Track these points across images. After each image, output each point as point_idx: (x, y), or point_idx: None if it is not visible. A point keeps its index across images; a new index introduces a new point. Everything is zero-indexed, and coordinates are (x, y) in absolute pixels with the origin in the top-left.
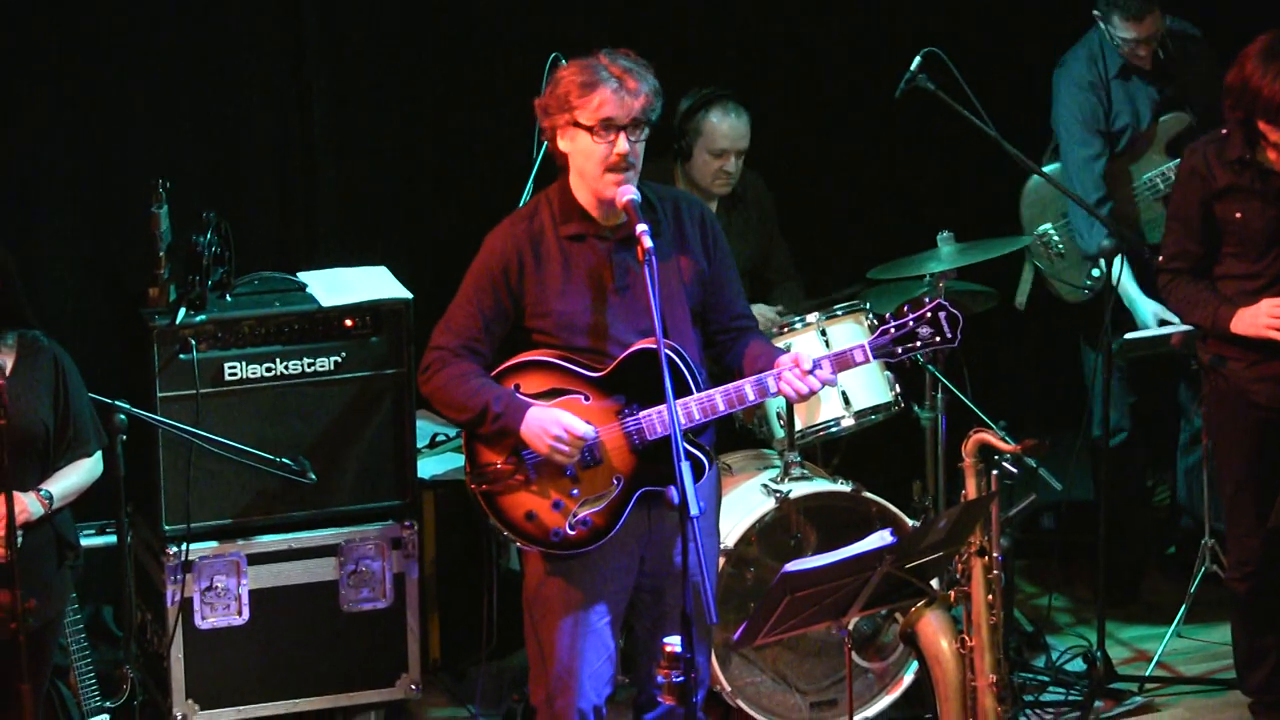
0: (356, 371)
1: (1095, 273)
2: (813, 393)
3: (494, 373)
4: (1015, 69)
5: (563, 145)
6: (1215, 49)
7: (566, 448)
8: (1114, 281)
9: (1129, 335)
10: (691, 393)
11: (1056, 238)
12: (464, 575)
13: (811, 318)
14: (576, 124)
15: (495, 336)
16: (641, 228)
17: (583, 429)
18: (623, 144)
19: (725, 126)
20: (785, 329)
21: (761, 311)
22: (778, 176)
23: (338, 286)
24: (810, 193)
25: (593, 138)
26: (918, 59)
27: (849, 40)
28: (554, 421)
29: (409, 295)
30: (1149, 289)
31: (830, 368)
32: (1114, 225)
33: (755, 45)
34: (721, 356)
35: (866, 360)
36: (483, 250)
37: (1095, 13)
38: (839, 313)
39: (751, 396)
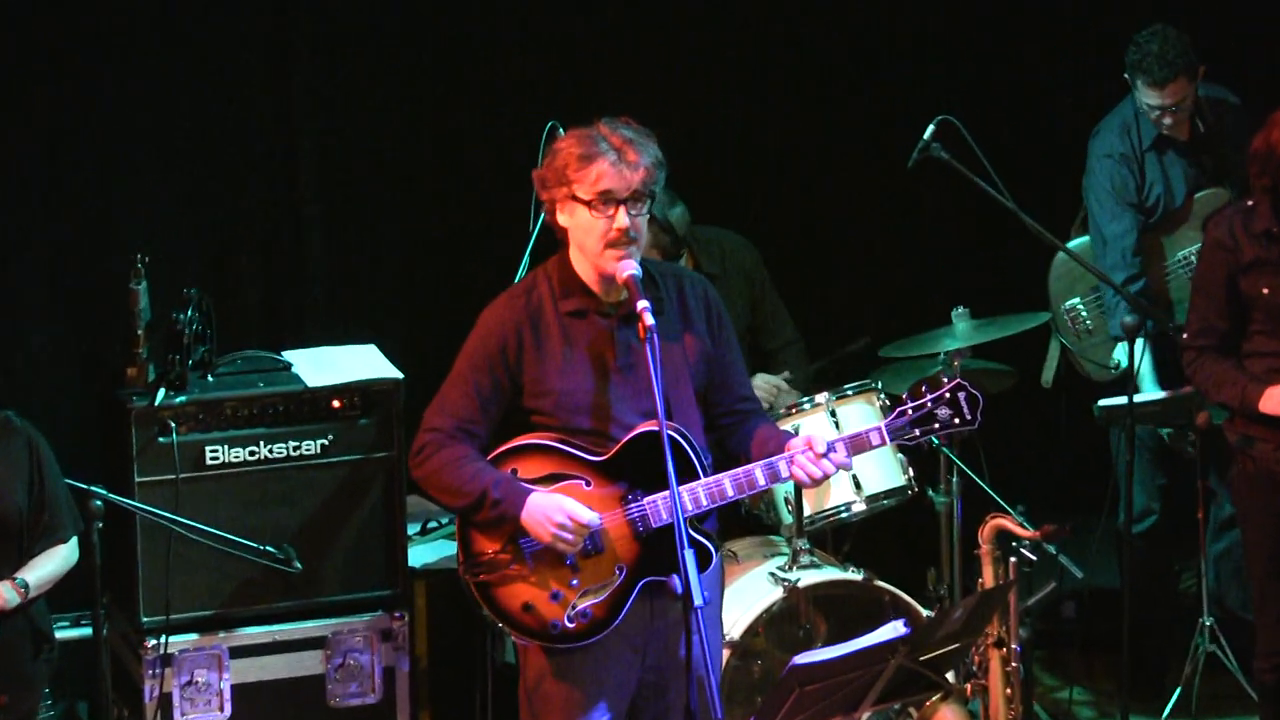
0: (345, 455)
1: (1119, 352)
2: (826, 477)
3: (491, 456)
4: (1048, 132)
5: (561, 219)
6: (1257, 119)
7: (570, 535)
8: (1136, 360)
9: (1137, 398)
10: (698, 477)
11: (1085, 313)
12: (457, 669)
13: (821, 398)
14: (575, 197)
15: (492, 418)
16: (643, 304)
17: (588, 516)
18: (623, 218)
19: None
20: (794, 409)
21: (767, 380)
22: (784, 246)
23: (325, 365)
24: (819, 263)
25: (591, 212)
26: (931, 127)
27: (864, 105)
28: (557, 508)
29: (400, 375)
30: (1178, 369)
31: (845, 451)
32: (1138, 301)
33: (766, 103)
34: (725, 441)
35: (883, 443)
36: (478, 327)
37: (1125, 76)
38: (849, 393)
39: (762, 481)
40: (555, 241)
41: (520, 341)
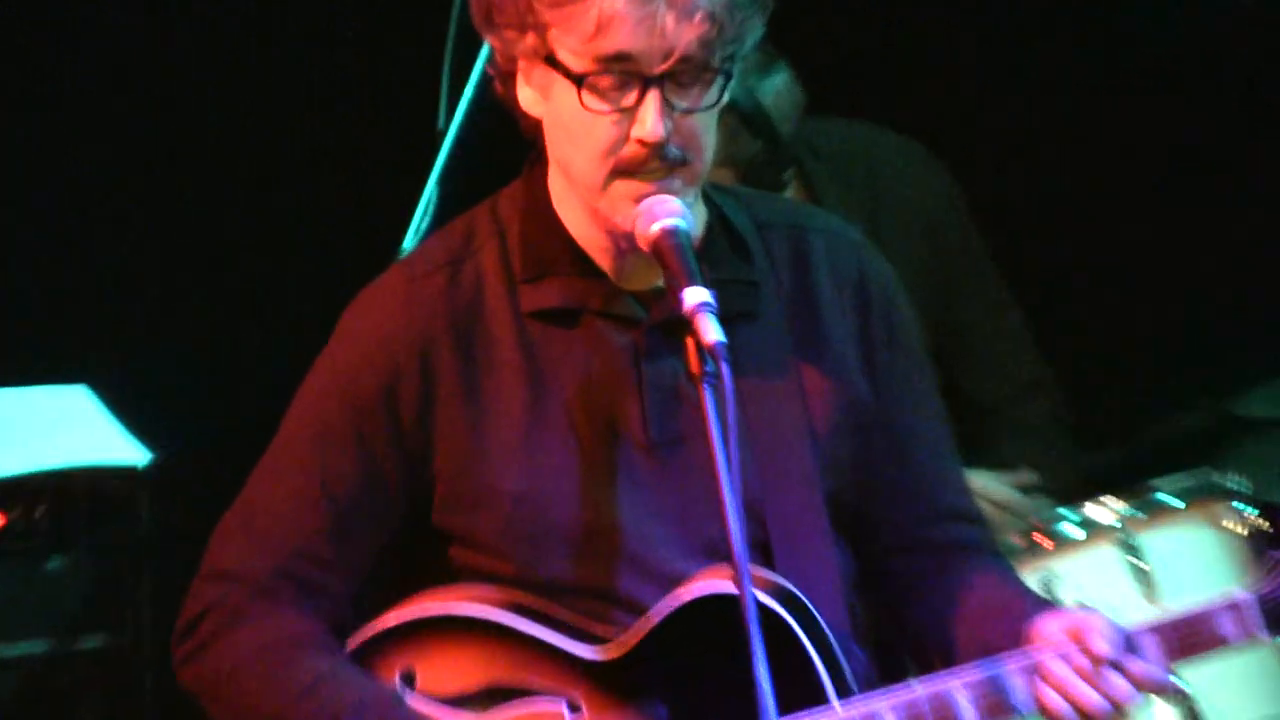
0: (18, 640)
1: None
2: (1116, 709)
3: (355, 644)
4: None
5: (526, 97)
6: None
7: None
8: None
9: None
10: (828, 699)
11: None
12: None
13: (1103, 514)
14: (550, 57)
15: (360, 551)
16: (695, 295)
17: None
18: (651, 117)
19: None
20: (1042, 538)
21: (985, 489)
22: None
23: None
24: (1085, 240)
25: (586, 95)
26: None
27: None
28: None
29: (143, 454)
30: None
31: (1163, 652)
32: None
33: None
34: (901, 603)
35: (1246, 636)
36: (334, 346)
37: None
38: (1167, 502)
39: (969, 712)
40: (513, 155)
41: (428, 376)
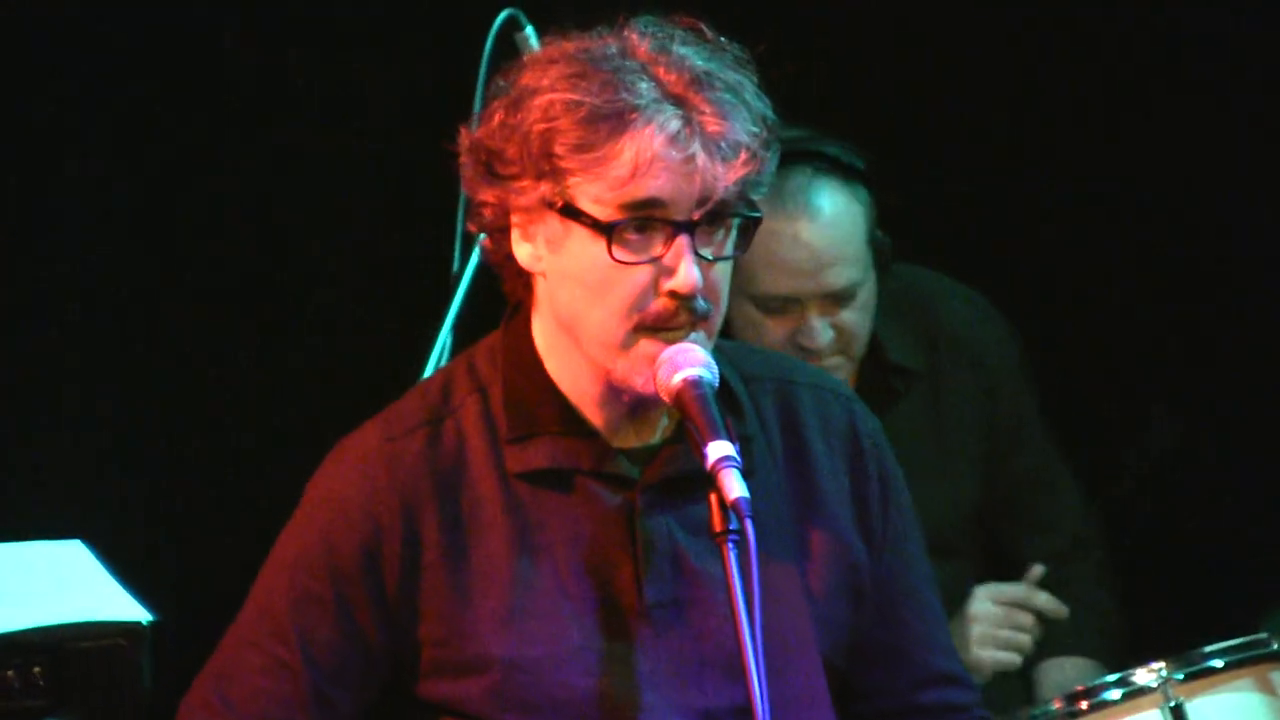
0: None
1: None
2: None
3: None
4: None
5: (525, 250)
6: None
7: None
8: None
9: None
10: None
11: None
12: None
13: (1145, 675)
14: (568, 207)
15: (337, 716)
16: (718, 449)
17: None
18: (685, 266)
19: (789, 236)
20: (1083, 702)
21: (998, 596)
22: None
23: None
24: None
25: (615, 248)
26: None
27: None
28: None
29: (143, 614)
30: None
31: None
32: None
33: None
34: None
35: None
36: (304, 512)
37: None
38: (1217, 660)
39: None
40: (496, 302)
41: (411, 540)
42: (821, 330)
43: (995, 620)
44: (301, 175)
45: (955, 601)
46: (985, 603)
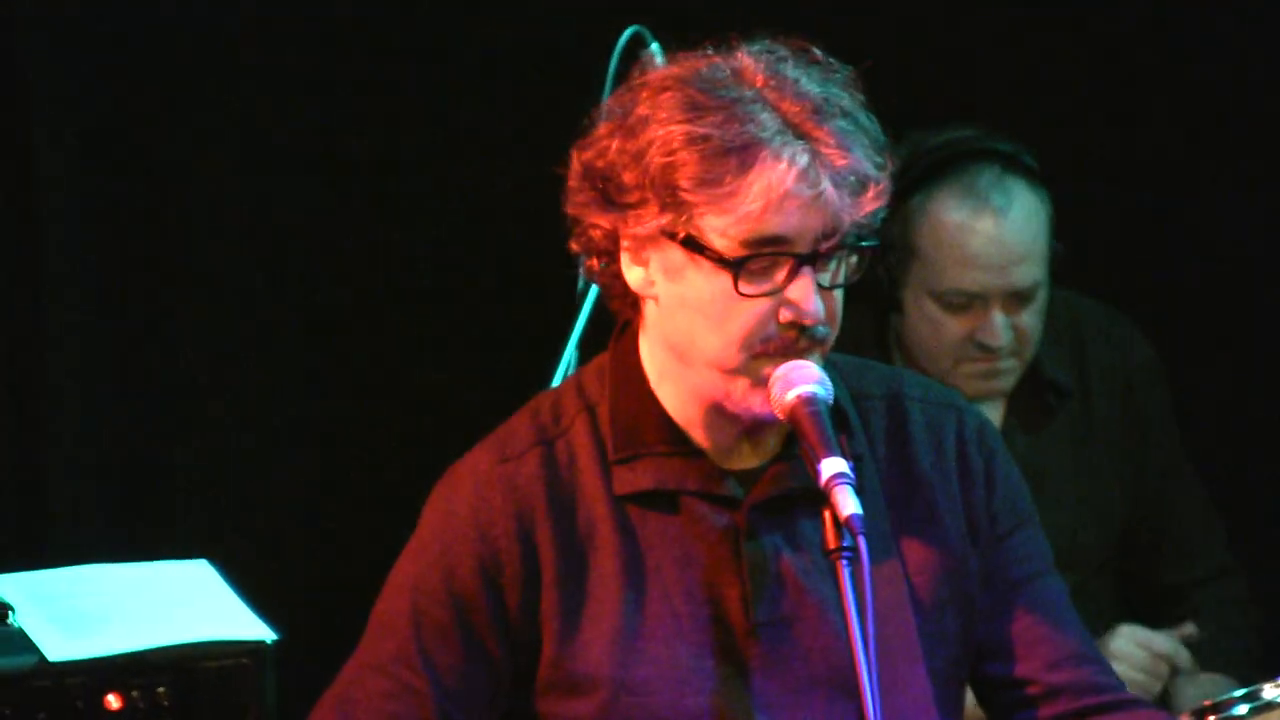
0: None
1: None
2: None
3: None
4: None
5: (638, 276)
6: None
7: None
8: None
9: None
10: None
11: None
12: None
13: (1270, 688)
14: (690, 238)
15: None
16: (832, 466)
17: None
18: (809, 298)
19: (981, 232)
20: (1212, 718)
21: (1141, 642)
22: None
23: (94, 612)
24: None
25: (737, 279)
26: None
27: None
28: None
29: (268, 634)
30: None
31: None
32: None
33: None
34: None
35: None
36: (421, 534)
37: None
38: None
39: None
40: (605, 323)
41: (530, 561)
42: (1004, 328)
43: (1136, 664)
44: (439, 191)
45: (1090, 620)
46: (1130, 644)
